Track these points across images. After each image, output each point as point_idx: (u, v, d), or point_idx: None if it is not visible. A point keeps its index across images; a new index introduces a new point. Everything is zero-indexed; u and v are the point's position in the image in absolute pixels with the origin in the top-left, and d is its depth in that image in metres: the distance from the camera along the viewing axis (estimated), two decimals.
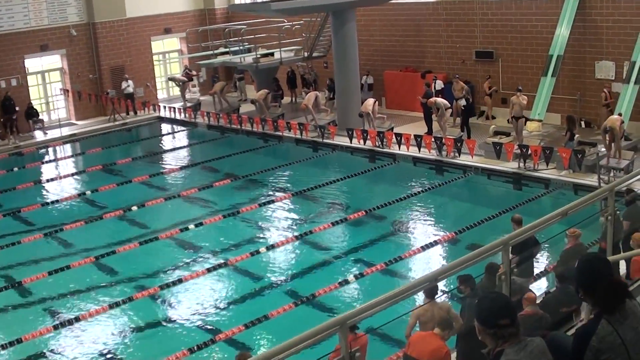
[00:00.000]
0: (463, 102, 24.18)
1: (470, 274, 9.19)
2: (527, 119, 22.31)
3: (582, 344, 4.59)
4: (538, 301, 10.08)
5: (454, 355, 9.66)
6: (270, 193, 20.99)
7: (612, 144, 18.79)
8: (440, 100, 23.03)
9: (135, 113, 30.86)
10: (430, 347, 8.87)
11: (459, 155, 21.14)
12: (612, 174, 18.33)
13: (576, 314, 9.10)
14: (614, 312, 4.59)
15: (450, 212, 19.54)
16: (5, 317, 14.44)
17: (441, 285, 10.34)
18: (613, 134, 18.60)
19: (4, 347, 12.78)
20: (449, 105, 23.53)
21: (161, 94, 34.35)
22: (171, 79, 32.73)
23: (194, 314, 13.98)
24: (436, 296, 9.61)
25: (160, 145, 28.62)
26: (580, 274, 4.87)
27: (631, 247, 10.32)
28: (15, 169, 25.00)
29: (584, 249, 11.48)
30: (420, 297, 10.17)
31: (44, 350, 12.92)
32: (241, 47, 30.67)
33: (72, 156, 27.55)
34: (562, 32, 23.16)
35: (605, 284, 4.65)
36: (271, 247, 16.79)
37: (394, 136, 22.57)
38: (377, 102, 25.03)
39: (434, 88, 25.54)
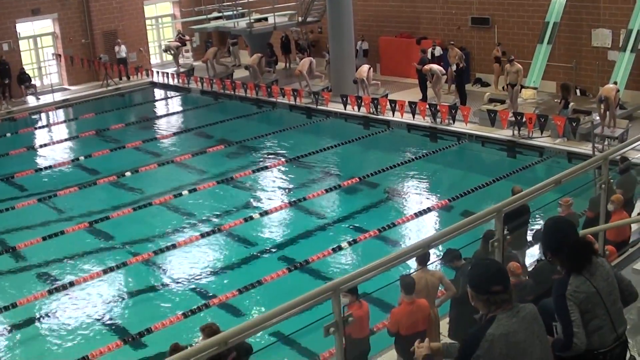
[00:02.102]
0: (454, 67, 24.08)
1: (452, 247, 9.18)
2: (522, 87, 22.26)
3: (560, 297, 4.73)
4: (530, 269, 10.14)
5: (446, 320, 9.74)
6: (264, 159, 20.97)
7: (607, 113, 18.77)
8: (435, 67, 22.93)
9: (128, 78, 30.73)
10: (422, 315, 8.89)
11: (454, 122, 21.10)
12: (606, 143, 18.35)
13: None
14: (581, 270, 4.74)
15: (444, 180, 19.57)
16: None
17: (434, 252, 10.38)
18: (608, 103, 18.57)
19: None
20: (445, 71, 23.46)
21: (154, 59, 34.15)
22: (166, 49, 32.14)
23: (187, 279, 14.04)
24: (428, 263, 9.62)
25: (154, 110, 28.52)
26: (546, 236, 5.04)
27: (608, 210, 10.33)
28: (8, 134, 24.93)
29: (576, 218, 11.53)
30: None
31: (39, 315, 12.97)
32: (235, 12, 30.44)
33: (65, 122, 27.44)
34: None
35: (571, 244, 4.81)
36: (265, 213, 16.81)
37: (388, 103, 22.53)
38: (371, 68, 24.92)
39: (433, 55, 25.42)
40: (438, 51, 25.82)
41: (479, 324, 4.32)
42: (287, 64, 31.60)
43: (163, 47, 33.13)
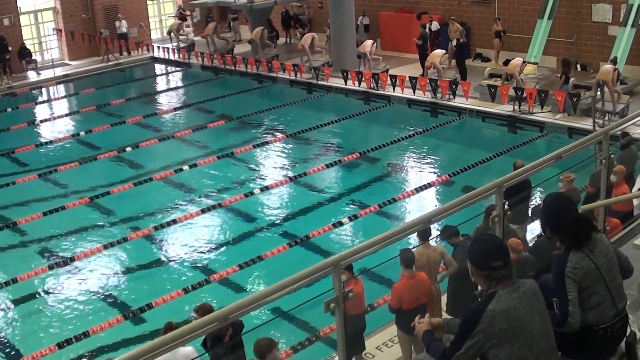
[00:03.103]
0: (454, 42, 23.94)
1: (454, 222, 9.16)
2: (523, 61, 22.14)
3: (558, 274, 4.73)
4: (530, 244, 10.14)
5: (444, 296, 9.77)
6: (265, 134, 20.94)
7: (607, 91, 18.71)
8: (437, 62, 22.34)
9: (129, 53, 30.61)
10: (423, 289, 8.91)
11: (454, 97, 21.06)
12: (607, 118, 18.31)
13: None
14: (581, 246, 4.74)
15: (445, 155, 19.54)
16: (0, 258, 14.50)
17: (434, 227, 10.38)
18: (607, 86, 18.51)
19: None
20: (445, 51, 23.29)
21: (155, 34, 33.98)
22: (169, 32, 31.68)
23: (188, 255, 14.06)
24: (430, 238, 9.63)
25: (154, 86, 28.44)
26: (546, 212, 5.03)
27: (611, 181, 10.31)
28: (9, 109, 24.88)
29: (578, 193, 11.52)
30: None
31: (39, 290, 13.01)
32: None
33: (65, 97, 27.37)
34: None
35: (571, 220, 4.80)
36: (265, 189, 16.81)
37: (388, 78, 22.46)
38: (375, 43, 24.83)
39: (430, 30, 25.28)
40: (435, 26, 25.68)
41: (479, 299, 4.32)
42: (288, 39, 31.44)
43: (166, 31, 32.69)
